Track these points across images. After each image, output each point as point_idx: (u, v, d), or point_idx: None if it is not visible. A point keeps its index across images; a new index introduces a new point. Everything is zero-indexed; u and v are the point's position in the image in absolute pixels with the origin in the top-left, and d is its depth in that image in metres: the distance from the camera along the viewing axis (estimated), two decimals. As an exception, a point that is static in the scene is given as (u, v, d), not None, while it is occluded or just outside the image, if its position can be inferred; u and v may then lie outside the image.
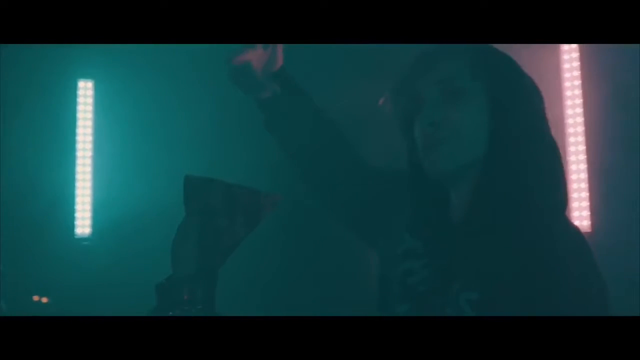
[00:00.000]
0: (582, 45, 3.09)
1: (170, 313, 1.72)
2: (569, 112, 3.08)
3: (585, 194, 3.03)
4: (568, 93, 3.10)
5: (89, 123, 3.21)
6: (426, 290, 1.82)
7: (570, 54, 3.11)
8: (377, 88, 1.98)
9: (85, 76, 3.25)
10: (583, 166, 3.04)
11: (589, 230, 3.01)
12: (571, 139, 3.08)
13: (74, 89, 3.22)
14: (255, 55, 1.93)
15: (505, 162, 1.79)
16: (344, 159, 2.08)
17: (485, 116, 1.81)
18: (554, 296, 1.68)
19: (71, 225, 3.19)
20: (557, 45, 3.14)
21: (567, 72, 3.11)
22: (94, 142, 3.21)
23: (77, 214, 3.19)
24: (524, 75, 1.88)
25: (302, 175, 2.10)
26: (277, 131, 2.06)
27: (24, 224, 3.06)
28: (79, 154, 3.20)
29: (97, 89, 3.25)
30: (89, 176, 3.20)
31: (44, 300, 3.07)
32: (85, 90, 3.22)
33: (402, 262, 1.88)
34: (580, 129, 3.06)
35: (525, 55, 2.92)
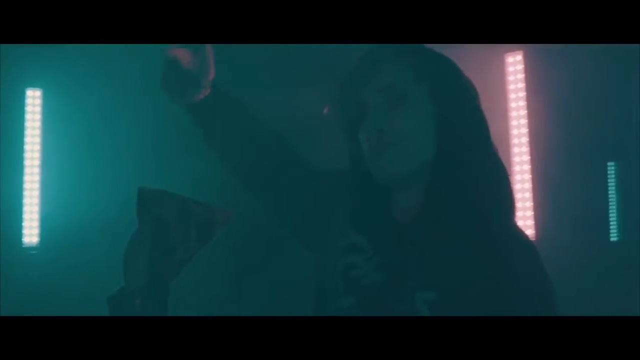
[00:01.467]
0: (526, 50, 3.12)
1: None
2: (513, 123, 3.12)
3: (529, 204, 3.08)
4: (512, 104, 3.14)
5: (37, 132, 3.19)
6: (370, 284, 1.84)
7: (514, 57, 3.14)
8: (318, 89, 1.99)
9: (34, 85, 3.21)
10: (527, 176, 3.09)
11: (533, 238, 3.06)
12: (515, 150, 3.12)
13: (22, 98, 3.19)
14: (185, 60, 1.92)
15: (452, 163, 1.83)
16: (283, 161, 2.08)
17: (430, 120, 1.84)
18: (505, 296, 1.73)
19: (19, 235, 3.15)
20: (502, 50, 3.18)
21: (512, 74, 3.14)
22: (42, 152, 3.18)
23: (25, 223, 3.16)
24: (463, 76, 1.92)
25: (244, 183, 2.10)
26: (215, 145, 2.07)
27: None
28: (26, 162, 3.17)
29: (45, 97, 3.21)
30: (37, 185, 3.17)
31: None
32: (34, 99, 3.19)
33: (345, 256, 1.89)
34: (525, 139, 3.10)
35: (470, 60, 2.98)
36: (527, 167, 3.10)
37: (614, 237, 3.48)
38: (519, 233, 1.88)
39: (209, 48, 1.96)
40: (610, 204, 3.44)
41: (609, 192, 3.44)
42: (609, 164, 3.43)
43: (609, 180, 3.43)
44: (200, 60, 1.95)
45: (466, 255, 1.77)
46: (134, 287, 1.73)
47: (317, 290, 1.98)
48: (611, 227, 3.47)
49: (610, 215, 3.45)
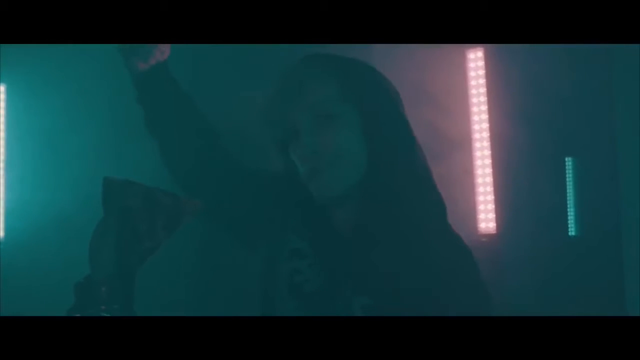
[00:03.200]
0: (486, 47, 3.16)
1: (89, 312, 1.75)
2: (475, 118, 3.15)
3: (490, 197, 3.11)
4: (474, 100, 3.17)
5: (1, 127, 3.18)
6: (313, 290, 1.88)
7: (475, 54, 3.17)
8: (259, 89, 2.01)
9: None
10: (488, 170, 3.12)
11: (493, 231, 3.10)
12: (477, 144, 3.15)
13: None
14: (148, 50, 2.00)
15: (383, 175, 1.86)
16: (222, 161, 2.12)
17: (359, 135, 1.87)
18: (439, 299, 1.76)
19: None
20: (463, 47, 3.21)
21: (473, 74, 3.17)
22: (5, 147, 3.18)
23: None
24: (385, 82, 1.94)
25: (179, 181, 2.12)
26: (155, 130, 2.10)
27: None
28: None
29: (8, 93, 3.21)
30: (0, 180, 3.16)
31: None
32: (-3, 94, 3.19)
33: (289, 261, 1.93)
34: (486, 134, 3.14)
35: (431, 59, 3.02)
36: (488, 161, 3.13)
37: (571, 232, 3.52)
38: (452, 235, 1.92)
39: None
40: (568, 199, 3.49)
41: (567, 187, 3.48)
42: (566, 159, 3.47)
43: (567, 176, 3.47)
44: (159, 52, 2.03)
45: (400, 260, 1.80)
46: (100, 275, 1.76)
47: (263, 292, 2.00)
48: (569, 222, 3.52)
49: (569, 210, 3.49)
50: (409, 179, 1.88)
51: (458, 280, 1.80)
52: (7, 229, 3.17)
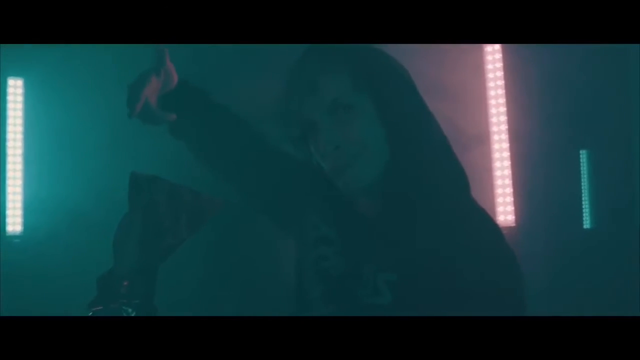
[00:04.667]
0: (504, 45, 3.16)
1: (110, 306, 1.77)
2: (492, 111, 3.15)
3: (509, 190, 3.12)
4: (492, 93, 3.17)
5: (19, 121, 3.19)
6: (339, 274, 1.87)
7: (493, 55, 3.18)
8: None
9: (15, 74, 3.22)
10: (507, 163, 3.12)
11: (513, 224, 3.10)
12: (495, 138, 3.16)
13: (3, 87, 3.20)
14: (150, 88, 1.92)
15: (406, 159, 1.84)
16: (253, 149, 2.10)
17: (378, 124, 1.84)
18: (468, 272, 1.74)
19: (2, 223, 3.17)
20: (480, 45, 3.21)
21: (491, 72, 3.18)
22: (24, 140, 3.19)
23: (8, 212, 3.17)
24: (397, 66, 1.92)
25: (214, 171, 2.12)
26: (181, 135, 2.09)
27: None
28: (9, 151, 3.18)
29: (27, 87, 3.23)
30: (19, 174, 3.18)
31: None
32: (15, 89, 3.20)
33: (316, 248, 1.93)
34: (504, 128, 3.14)
35: (448, 57, 3.03)
36: (506, 154, 3.14)
37: (586, 225, 3.52)
38: (478, 209, 1.90)
39: (166, 58, 1.98)
40: (582, 192, 3.48)
41: (582, 180, 3.48)
42: (580, 152, 3.46)
43: (581, 169, 3.47)
44: (163, 79, 1.97)
45: (428, 236, 1.79)
46: (122, 269, 1.77)
47: (296, 279, 2.00)
48: (584, 215, 3.52)
49: (583, 203, 3.49)
50: (430, 157, 1.86)
51: (485, 252, 1.78)
52: (26, 224, 3.19)
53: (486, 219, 1.88)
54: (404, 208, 1.83)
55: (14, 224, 3.18)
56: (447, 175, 1.87)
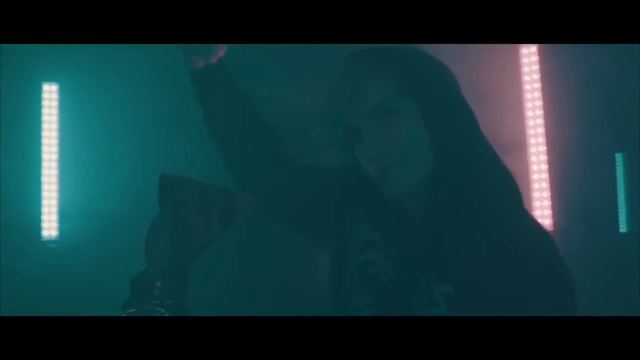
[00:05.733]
0: (541, 46, 3.14)
1: (143, 307, 1.77)
2: (529, 114, 3.13)
3: (546, 194, 3.09)
4: (528, 95, 3.15)
5: (55, 126, 3.21)
6: (388, 280, 1.85)
7: (529, 58, 3.16)
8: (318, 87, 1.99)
9: (50, 79, 3.24)
10: (544, 167, 3.10)
11: (550, 229, 3.07)
12: (532, 140, 3.14)
13: (38, 92, 3.22)
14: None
15: (453, 164, 1.82)
16: (283, 158, 2.10)
17: (423, 129, 1.82)
18: (524, 286, 1.72)
19: (38, 229, 3.19)
20: (516, 46, 3.19)
21: (527, 75, 3.16)
22: (59, 145, 3.21)
23: (44, 217, 3.19)
24: (440, 67, 1.90)
25: (241, 183, 2.11)
26: (214, 129, 2.10)
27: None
28: (44, 157, 3.20)
29: (62, 92, 3.25)
30: (55, 179, 3.20)
31: None
32: (50, 94, 3.22)
33: (360, 254, 1.90)
34: (541, 130, 3.12)
35: (484, 59, 3.01)
36: (543, 157, 3.12)
37: (622, 229, 3.49)
38: (531, 220, 1.88)
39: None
40: (619, 195, 3.45)
41: (618, 183, 3.45)
42: (616, 155, 3.43)
43: (617, 172, 3.44)
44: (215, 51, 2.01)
45: (482, 247, 1.78)
46: (155, 270, 1.77)
47: (333, 289, 1.97)
48: (620, 218, 3.48)
49: (619, 206, 3.46)
50: (478, 163, 1.84)
51: (539, 263, 1.76)
52: (61, 229, 3.21)
53: (539, 228, 1.86)
54: (454, 216, 1.82)
55: (50, 229, 3.20)
56: (498, 183, 1.86)
